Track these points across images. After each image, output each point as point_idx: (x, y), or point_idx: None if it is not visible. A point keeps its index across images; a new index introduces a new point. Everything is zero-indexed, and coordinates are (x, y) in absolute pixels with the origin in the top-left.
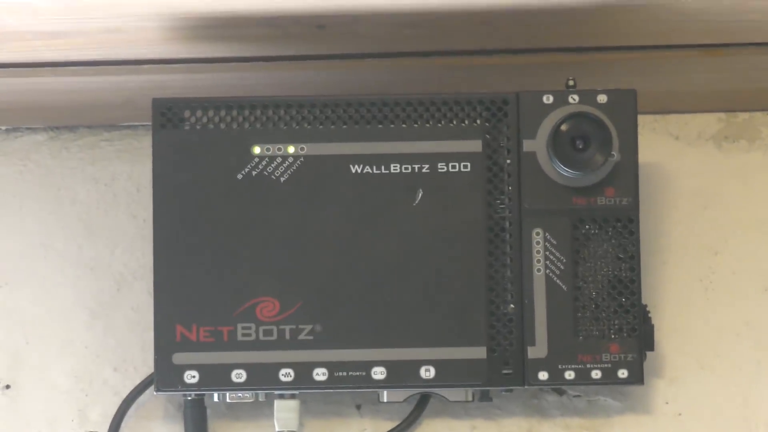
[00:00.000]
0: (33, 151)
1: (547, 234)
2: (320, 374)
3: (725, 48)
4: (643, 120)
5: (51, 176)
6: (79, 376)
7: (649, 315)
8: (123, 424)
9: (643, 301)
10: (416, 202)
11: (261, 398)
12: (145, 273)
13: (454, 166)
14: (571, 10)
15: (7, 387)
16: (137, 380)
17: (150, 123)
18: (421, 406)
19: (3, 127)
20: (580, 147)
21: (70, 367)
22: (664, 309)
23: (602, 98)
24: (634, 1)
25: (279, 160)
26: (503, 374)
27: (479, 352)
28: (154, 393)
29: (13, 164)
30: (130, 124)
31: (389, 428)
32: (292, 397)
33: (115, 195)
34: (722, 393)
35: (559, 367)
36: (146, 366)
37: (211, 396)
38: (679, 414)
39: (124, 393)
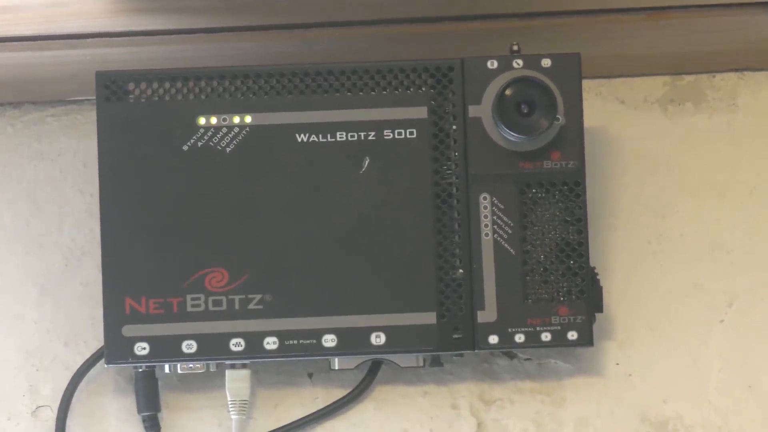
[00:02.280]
0: None
1: (494, 199)
2: (271, 343)
3: (670, 11)
4: (588, 84)
5: None
6: (30, 351)
7: (598, 277)
8: (74, 399)
9: (592, 264)
10: (363, 169)
11: (212, 368)
12: (94, 248)
13: (400, 133)
14: None
15: None
16: (88, 355)
17: (95, 97)
18: (372, 373)
19: None
20: (525, 111)
21: (20, 343)
22: (613, 272)
23: (546, 62)
24: None
25: (224, 130)
26: (453, 339)
27: (429, 318)
28: (105, 366)
29: None
30: (75, 99)
31: (341, 396)
32: (243, 366)
33: (62, 171)
34: (672, 354)
35: (509, 330)
36: (96, 341)
37: (162, 367)
38: (630, 375)
39: (75, 368)
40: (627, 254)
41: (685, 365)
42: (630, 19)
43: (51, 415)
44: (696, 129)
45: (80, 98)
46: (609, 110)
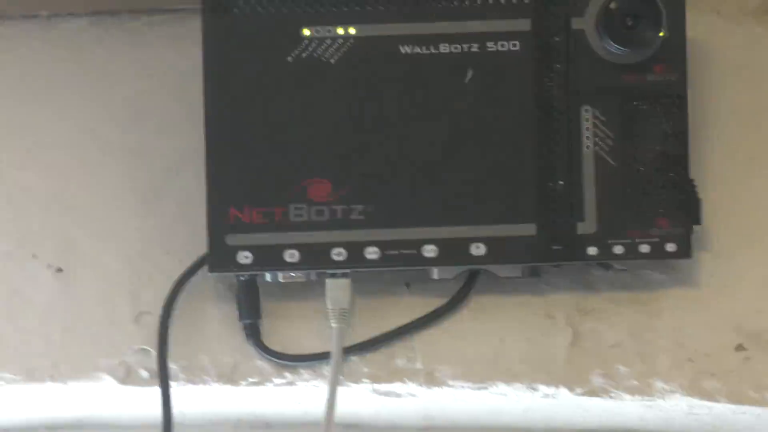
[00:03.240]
0: (75, 37)
1: (596, 111)
2: (372, 253)
3: None
4: None
5: (94, 62)
6: (132, 259)
7: (697, 190)
8: (175, 306)
9: (691, 176)
10: (466, 81)
11: (313, 277)
12: (195, 158)
13: (503, 45)
14: None
15: (59, 270)
16: (188, 264)
17: (195, 7)
18: (470, 283)
19: (44, 13)
20: (630, 24)
21: (122, 251)
22: (711, 184)
23: None
24: None
25: (329, 42)
26: (553, 250)
27: (529, 229)
28: (208, 273)
29: (56, 50)
30: (175, 8)
31: (438, 305)
32: (344, 275)
33: (160, 80)
34: (767, 266)
35: (608, 242)
36: (196, 250)
37: (264, 276)
38: (725, 286)
39: (175, 276)
40: (725, 167)
41: None
42: None
43: (153, 321)
44: None
45: (180, 7)
46: (707, 22)
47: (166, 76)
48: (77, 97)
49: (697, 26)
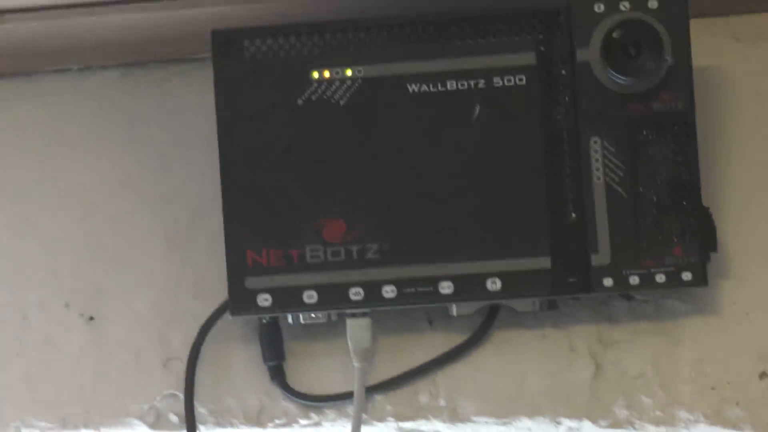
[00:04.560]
0: (106, 88)
1: (604, 142)
2: (389, 291)
3: None
4: (703, 23)
5: (124, 112)
6: (160, 305)
7: (711, 216)
8: (202, 350)
9: (707, 203)
10: (474, 117)
11: (333, 318)
12: (219, 202)
13: (509, 80)
14: None
15: (91, 319)
16: (216, 306)
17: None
18: (490, 318)
19: (75, 67)
20: (633, 54)
21: (151, 297)
22: (728, 210)
23: (653, 4)
24: None
25: (337, 83)
26: (568, 282)
27: (544, 262)
28: (230, 318)
29: (88, 102)
30: (198, 57)
31: (461, 341)
32: (364, 315)
33: (187, 127)
34: None
35: (623, 272)
36: (223, 293)
37: (286, 318)
38: (747, 313)
39: (203, 319)
40: (742, 192)
41: None
42: None
43: (181, 366)
44: None
45: (202, 56)
46: (724, 48)
47: (192, 122)
48: (108, 147)
49: (714, 52)
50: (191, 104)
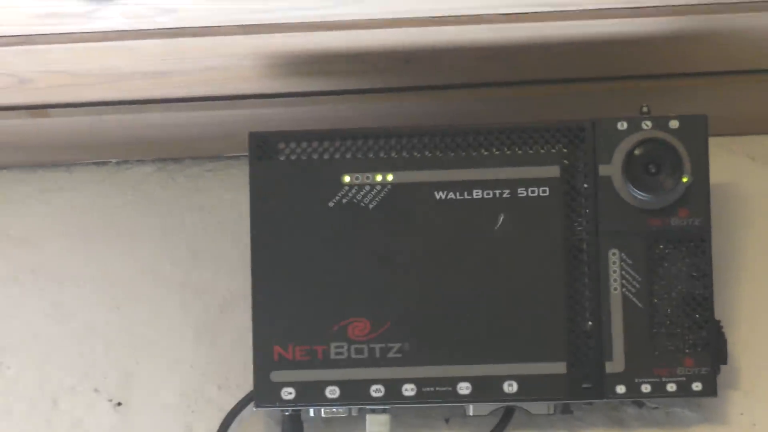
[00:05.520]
0: (142, 182)
1: (623, 254)
2: (409, 390)
3: None
4: (720, 141)
5: (159, 205)
6: (186, 393)
7: (723, 330)
8: None
9: (719, 317)
10: (498, 225)
11: (354, 413)
12: (248, 295)
13: (533, 191)
14: (644, 38)
15: (119, 404)
16: (240, 397)
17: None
18: (506, 419)
19: (114, 160)
20: (653, 171)
21: (177, 386)
22: (740, 324)
23: (674, 124)
24: (704, 30)
25: (368, 188)
26: (583, 388)
27: (559, 368)
28: (254, 409)
29: (124, 194)
30: (232, 155)
31: None
32: (383, 411)
33: (219, 222)
34: None
35: (636, 380)
36: (248, 384)
37: (308, 411)
38: (754, 424)
39: (228, 409)
40: (754, 307)
41: None
42: (756, 80)
43: None
44: None
45: (236, 154)
46: (739, 166)
47: (223, 217)
48: (141, 238)
49: (731, 170)
50: (223, 200)
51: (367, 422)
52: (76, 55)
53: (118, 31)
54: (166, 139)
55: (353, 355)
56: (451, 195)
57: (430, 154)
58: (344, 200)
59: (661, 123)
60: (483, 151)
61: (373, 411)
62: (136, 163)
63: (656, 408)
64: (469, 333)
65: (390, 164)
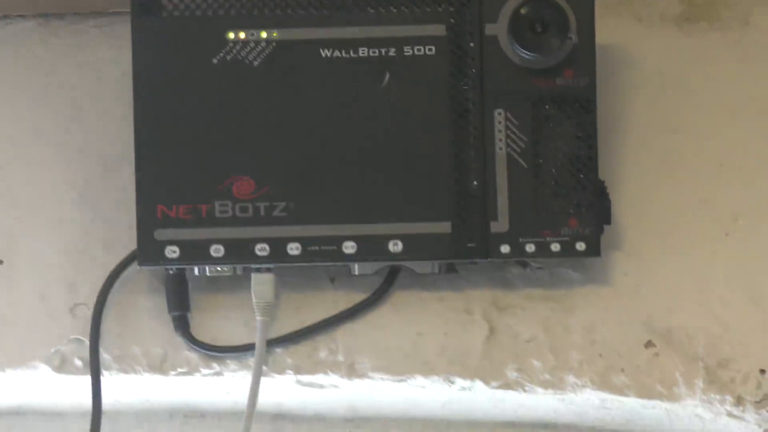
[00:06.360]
0: (23, 38)
1: (508, 114)
2: (294, 249)
3: None
4: (607, 3)
5: (41, 62)
6: (70, 253)
7: (607, 191)
8: (109, 298)
9: (603, 178)
10: (383, 84)
11: (239, 272)
12: (131, 155)
13: (419, 50)
14: None
15: (1, 263)
16: (124, 256)
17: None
18: (390, 279)
19: None
20: (539, 30)
21: (61, 245)
22: (624, 186)
23: None
24: None
25: (252, 45)
26: (467, 248)
27: (444, 227)
28: (138, 268)
29: (4, 51)
30: (116, 11)
31: (360, 300)
32: (268, 270)
33: (103, 80)
34: (678, 266)
35: (520, 240)
36: (133, 244)
37: (192, 270)
38: (637, 285)
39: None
40: (638, 169)
41: (690, 277)
42: None
43: (88, 312)
44: (709, 47)
45: (120, 10)
46: (626, 28)
47: (108, 76)
48: (22, 96)
49: (618, 32)
50: (107, 57)
51: (252, 281)
52: None
53: None
54: None
55: (238, 214)
56: (336, 53)
57: (316, 12)
58: (228, 57)
59: None
60: (369, 9)
61: (258, 270)
62: (16, 18)
63: (540, 268)
64: (355, 192)
65: (275, 21)
